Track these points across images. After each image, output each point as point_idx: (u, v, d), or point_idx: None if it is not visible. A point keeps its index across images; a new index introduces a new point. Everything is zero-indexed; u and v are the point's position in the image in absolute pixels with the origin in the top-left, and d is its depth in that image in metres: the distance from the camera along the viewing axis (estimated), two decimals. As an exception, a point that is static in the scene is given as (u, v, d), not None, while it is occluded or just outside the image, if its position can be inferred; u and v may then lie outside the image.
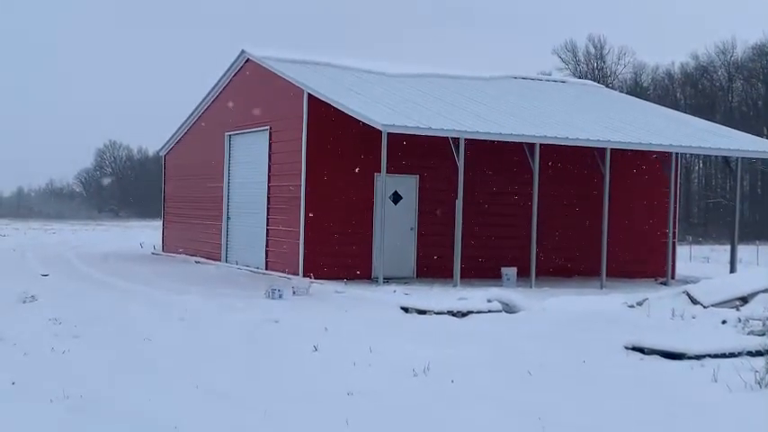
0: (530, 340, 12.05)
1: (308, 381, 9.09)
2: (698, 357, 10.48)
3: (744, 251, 35.72)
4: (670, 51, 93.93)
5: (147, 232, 43.20)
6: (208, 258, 25.62)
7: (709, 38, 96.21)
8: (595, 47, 79.92)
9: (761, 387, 8.56)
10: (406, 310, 14.89)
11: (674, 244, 22.97)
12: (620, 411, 7.85)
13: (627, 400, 8.33)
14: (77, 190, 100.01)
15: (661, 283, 21.29)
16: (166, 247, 29.48)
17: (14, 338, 11.09)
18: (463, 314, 14.42)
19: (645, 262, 23.04)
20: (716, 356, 10.51)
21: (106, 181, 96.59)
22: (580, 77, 67.39)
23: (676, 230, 23.56)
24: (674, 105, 60.85)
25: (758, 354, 10.63)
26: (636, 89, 71.14)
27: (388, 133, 18.36)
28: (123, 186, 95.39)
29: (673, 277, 22.56)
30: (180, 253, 27.72)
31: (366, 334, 12.41)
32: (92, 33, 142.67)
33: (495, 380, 9.29)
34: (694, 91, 74.44)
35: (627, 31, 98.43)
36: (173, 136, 29.21)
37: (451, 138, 18.86)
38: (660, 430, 7.25)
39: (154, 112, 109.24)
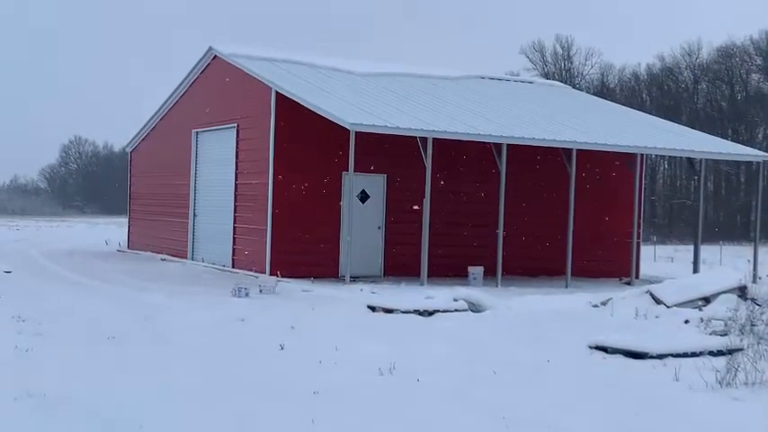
0: (495, 339, 12.14)
1: (273, 379, 9.08)
2: (660, 357, 10.62)
3: (707, 251, 36.13)
4: (636, 53, 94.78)
5: (113, 229, 42.88)
6: (174, 256, 25.48)
7: (675, 39, 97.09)
8: (563, 47, 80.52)
9: (722, 386, 8.69)
10: (372, 308, 14.92)
11: (638, 244, 23.20)
12: (583, 410, 7.93)
13: (590, 398, 8.42)
14: (42, 186, 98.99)
15: (625, 283, 21.49)
16: (132, 244, 29.28)
17: (-24, 336, 10.98)
18: (429, 313, 14.49)
19: (610, 262, 23.25)
20: (678, 356, 10.65)
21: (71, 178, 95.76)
22: (548, 78, 67.79)
23: (641, 231, 23.79)
24: (641, 106, 61.40)
25: (719, 353, 10.78)
26: (603, 90, 71.74)
27: (356, 132, 18.38)
28: (88, 182, 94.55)
29: (637, 277, 22.79)
30: (145, 250, 27.54)
31: (332, 333, 12.43)
32: (59, 27, 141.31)
33: (460, 378, 9.35)
34: (660, 92, 75.22)
35: (594, 32, 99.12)
36: (139, 132, 29.00)
37: (419, 137, 18.91)
38: (622, 428, 7.33)
39: (120, 108, 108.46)
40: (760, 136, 67.89)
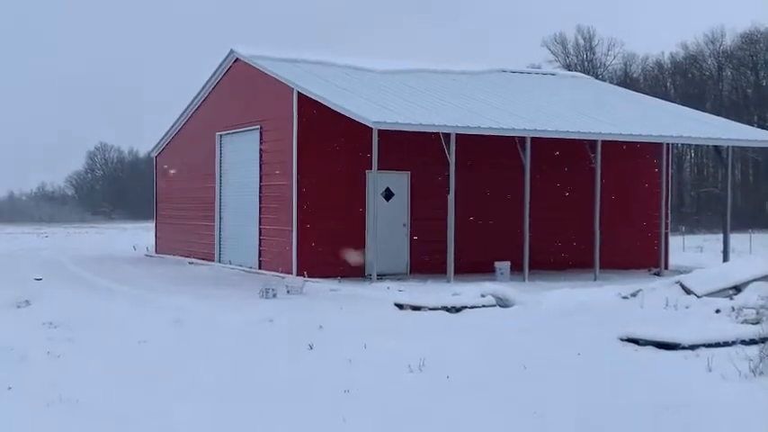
0: (524, 334, 12.08)
1: (303, 379, 9.10)
2: (692, 347, 10.53)
3: (737, 240, 35.78)
4: (659, 41, 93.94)
5: (141, 234, 43.11)
6: (201, 259, 25.59)
7: (699, 27, 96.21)
8: (585, 38, 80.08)
9: (755, 375, 8.59)
10: (400, 306, 14.90)
11: (666, 234, 23.03)
12: (615, 403, 7.87)
13: (622, 391, 8.36)
14: (69, 193, 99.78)
15: (654, 274, 21.33)
16: (159, 248, 29.44)
17: (9, 343, 11.07)
18: (457, 309, 14.46)
19: (638, 253, 23.07)
20: (710, 346, 10.54)
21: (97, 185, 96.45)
22: (570, 69, 67.37)
23: (669, 221, 23.59)
24: (665, 95, 60.91)
25: (752, 342, 10.67)
26: (626, 80, 71.26)
27: (379, 130, 18.36)
28: (115, 188, 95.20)
29: (666, 267, 22.61)
30: (173, 254, 27.68)
31: (361, 331, 12.43)
32: (82, 35, 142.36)
33: (490, 374, 9.31)
34: (684, 80, 74.62)
35: (616, 22, 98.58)
36: (164, 137, 29.15)
37: (442, 133, 18.86)
38: (655, 420, 7.27)
39: (145, 114, 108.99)
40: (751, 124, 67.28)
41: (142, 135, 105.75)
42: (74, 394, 8.20)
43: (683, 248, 32.94)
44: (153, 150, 30.36)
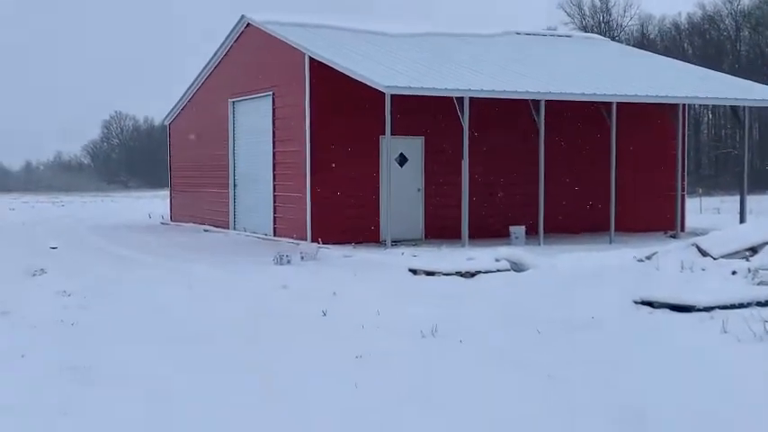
0: (538, 298, 12.02)
1: (316, 345, 9.08)
2: (707, 309, 10.41)
3: (754, 201, 35.56)
4: (676, 2, 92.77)
5: (157, 202, 43.26)
6: (216, 226, 25.63)
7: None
8: (601, 0, 79.22)
9: (770, 338, 8.49)
10: (414, 272, 14.84)
11: (683, 196, 22.84)
12: (630, 366, 7.81)
13: (637, 354, 8.29)
14: (85, 162, 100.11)
15: (671, 237, 21.19)
16: (175, 216, 29.49)
17: (23, 311, 11.11)
18: (471, 274, 14.37)
19: (654, 216, 22.91)
20: (725, 308, 10.43)
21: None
22: (586, 31, 66.74)
23: (685, 183, 23.38)
24: (682, 56, 60.24)
25: (767, 304, 10.57)
26: (643, 41, 70.56)
27: (392, 95, 18.22)
28: (130, 157, 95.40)
29: (682, 230, 22.45)
30: (188, 222, 27.73)
31: (374, 297, 12.40)
32: (98, 3, 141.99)
33: (503, 339, 9.26)
34: (702, 41, 73.87)
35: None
36: (176, 105, 29.09)
37: (456, 97, 18.70)
38: (671, 383, 7.21)
39: (159, 82, 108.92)
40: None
41: (157, 104, 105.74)
42: (87, 362, 8.21)
43: (700, 210, 32.75)
44: (166, 118, 30.31)
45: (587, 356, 8.28)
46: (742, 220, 21.98)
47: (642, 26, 77.99)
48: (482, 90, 18.78)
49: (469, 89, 18.65)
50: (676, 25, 76.64)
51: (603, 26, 76.69)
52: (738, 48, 72.32)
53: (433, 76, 19.39)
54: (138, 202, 48.09)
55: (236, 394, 7.15)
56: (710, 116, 70.82)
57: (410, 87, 18.27)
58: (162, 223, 29.44)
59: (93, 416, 6.58)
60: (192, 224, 27.21)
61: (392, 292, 13.02)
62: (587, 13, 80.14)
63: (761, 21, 70.82)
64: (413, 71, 19.65)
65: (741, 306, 10.53)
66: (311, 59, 20.33)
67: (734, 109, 23.03)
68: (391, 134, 18.67)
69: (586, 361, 8.09)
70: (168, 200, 30.42)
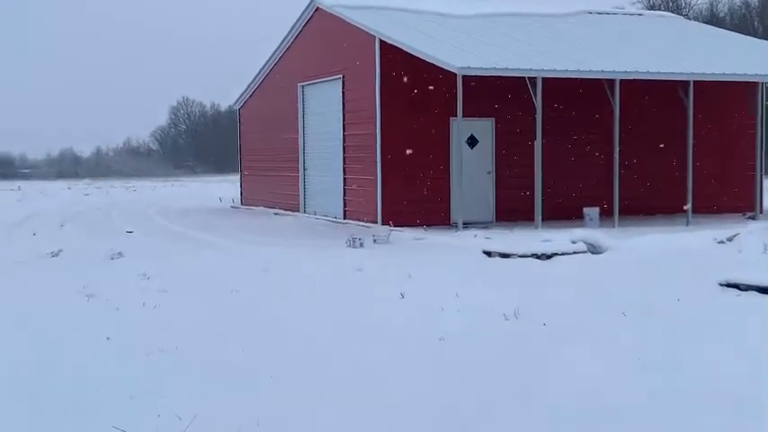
0: (618, 280, 11.80)
1: (397, 327, 9.03)
2: (798, 292, 10.13)
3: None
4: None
5: (225, 186, 43.71)
6: (286, 210, 25.77)
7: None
8: (669, -22, 77.52)
9: None
10: (488, 254, 14.72)
11: (761, 177, 22.25)
12: (724, 350, 7.60)
13: (728, 338, 8.07)
14: (154, 147, 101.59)
15: (749, 218, 20.69)
16: (245, 200, 29.75)
17: (106, 294, 11.27)
18: (548, 256, 14.20)
19: (731, 197, 22.40)
20: (817, 291, 10.14)
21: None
22: (654, 10, 65.42)
23: (763, 163, 22.75)
24: (753, 35, 58.72)
25: None
26: (712, 20, 68.88)
27: (463, 76, 18.05)
28: (198, 142, 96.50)
29: (761, 212, 21.90)
30: (258, 205, 27.94)
31: (450, 280, 12.31)
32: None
33: (588, 321, 9.10)
34: (774, 19, 71.82)
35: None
36: (246, 89, 29.28)
37: (528, 77, 18.45)
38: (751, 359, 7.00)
39: (226, 68, 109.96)
40: None
41: (224, 89, 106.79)
42: (173, 344, 8.28)
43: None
44: (236, 103, 30.53)
45: (677, 339, 8.09)
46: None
47: (711, 5, 76.02)
48: (555, 70, 18.50)
49: (542, 69, 18.38)
50: (746, 3, 74.60)
51: (671, 4, 75.03)
52: (813, 25, 70.17)
53: (504, 57, 19.15)
54: (207, 186, 48.66)
55: (327, 379, 7.12)
56: (761, 94, 68.97)
57: (482, 68, 18.09)
58: (232, 207, 29.72)
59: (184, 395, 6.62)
60: (262, 207, 27.41)
61: (468, 274, 12.92)
62: (656, -8, 78.50)
63: (837, -4, 68.66)
64: (485, 52, 19.45)
65: (833, 288, 10.22)
66: (381, 42, 20.25)
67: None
68: (462, 115, 18.51)
69: (676, 344, 7.90)
70: (239, 184, 30.67)
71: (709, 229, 16.87)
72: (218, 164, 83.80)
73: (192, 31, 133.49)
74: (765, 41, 25.31)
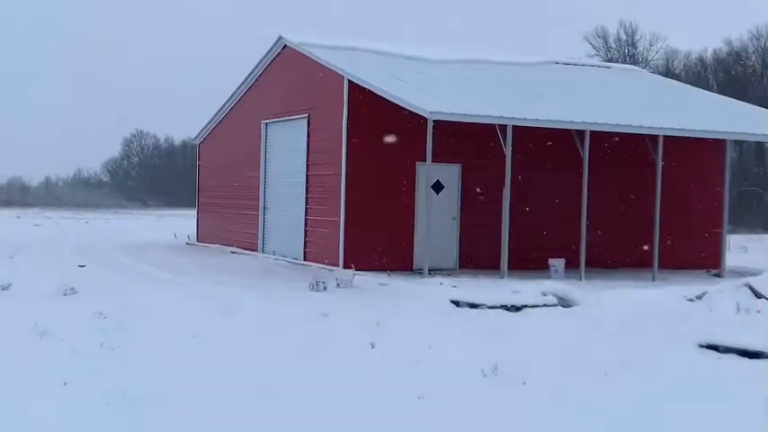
0: (595, 337, 11.50)
1: (372, 381, 8.61)
2: (779, 357, 9.90)
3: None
4: (703, 37, 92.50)
5: (179, 221, 42.91)
6: (243, 249, 25.21)
7: (743, 23, 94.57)
8: (627, 33, 78.97)
9: None
10: (456, 303, 14.35)
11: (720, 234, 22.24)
12: (726, 420, 7.28)
13: (725, 407, 7.76)
14: (105, 179, 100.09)
15: (714, 275, 20.61)
16: (201, 236, 29.12)
17: (60, 333, 10.69)
18: (517, 308, 13.89)
19: (695, 253, 22.32)
20: (799, 356, 9.91)
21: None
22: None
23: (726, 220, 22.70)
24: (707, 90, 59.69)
25: (844, 352, 10.04)
26: (668, 76, 69.96)
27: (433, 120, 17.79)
28: (150, 175, 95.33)
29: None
30: (214, 243, 27.34)
31: (420, 329, 11.95)
32: (121, 19, 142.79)
33: (569, 381, 8.77)
34: (727, 77, 73.32)
35: (659, 16, 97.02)
36: (207, 125, 28.79)
37: (498, 125, 18.27)
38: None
39: (181, 102, 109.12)
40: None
41: (178, 123, 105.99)
42: (134, 392, 7.77)
43: (729, 248, 32.11)
44: (196, 138, 30.01)
45: (670, 407, 7.76)
46: (788, 261, 21.37)
47: (667, 60, 77.50)
48: (526, 119, 18.34)
49: (513, 117, 18.21)
50: (702, 60, 76.23)
51: (628, 59, 76.23)
52: (764, 84, 71.76)
53: (475, 103, 18.97)
54: (161, 220, 47.75)
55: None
56: (737, 153, 70.16)
57: (454, 113, 17.86)
58: (188, 243, 29.06)
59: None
60: (218, 245, 26.81)
61: (438, 324, 12.56)
62: (613, 46, 79.83)
63: (788, 58, 70.34)
64: (455, 97, 19.25)
65: (815, 354, 10.01)
66: (350, 83, 19.97)
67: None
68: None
69: (668, 410, 7.58)
70: (195, 220, 30.03)
71: (676, 286, 16.69)
72: (169, 198, 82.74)
73: (149, 63, 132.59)
74: (732, 99, 25.56)
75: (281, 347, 10.43)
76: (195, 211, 30.16)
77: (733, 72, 73.88)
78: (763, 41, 72.41)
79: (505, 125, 18.19)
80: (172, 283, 17.19)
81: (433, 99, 18.63)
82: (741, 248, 32.79)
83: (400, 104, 18.33)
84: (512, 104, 19.44)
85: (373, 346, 10.46)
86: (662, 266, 20.28)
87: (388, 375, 8.95)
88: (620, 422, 7.17)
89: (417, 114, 18.02)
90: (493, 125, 18.37)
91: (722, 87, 69.54)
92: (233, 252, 25.13)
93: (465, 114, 17.95)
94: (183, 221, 41.84)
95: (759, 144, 55.51)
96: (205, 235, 28.72)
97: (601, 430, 6.96)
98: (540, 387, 8.49)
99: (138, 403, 7.47)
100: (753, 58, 73.73)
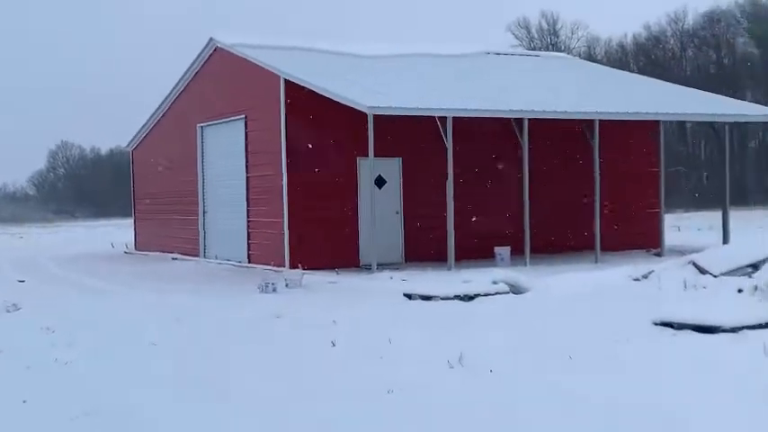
0: (550, 321, 11.59)
1: (339, 379, 8.54)
2: (734, 330, 10.09)
3: (706, 218, 35.94)
4: (623, 23, 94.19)
5: (112, 231, 42.19)
6: (184, 255, 24.86)
7: (661, 8, 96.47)
8: (548, 22, 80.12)
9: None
10: (409, 297, 14.37)
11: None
12: (694, 394, 7.37)
13: (689, 382, 7.87)
14: (31, 192, 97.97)
15: (655, 255, 20.99)
16: (139, 245, 28.63)
17: (11, 350, 10.40)
18: (470, 298, 13.95)
19: (634, 234, 22.68)
20: (752, 328, 10.12)
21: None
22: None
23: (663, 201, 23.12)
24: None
25: (795, 322, 10.28)
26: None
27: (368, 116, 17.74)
28: (77, 186, 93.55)
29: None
30: (154, 251, 26.90)
31: (377, 325, 11.90)
32: (40, 30, 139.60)
33: (534, 366, 8.80)
34: (647, 61, 74.85)
35: (579, 5, 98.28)
36: (139, 131, 28.31)
37: (438, 117, 18.31)
38: (755, 418, 6.77)
39: (106, 111, 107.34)
40: (748, 99, 67.70)
41: (104, 132, 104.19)
42: (97, 406, 7.58)
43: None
44: (129, 145, 29.48)
45: (635, 383, 7.85)
46: (725, 238, 21.90)
47: (589, 48, 78.77)
48: (466, 109, 18.43)
49: (453, 108, 18.28)
50: (622, 46, 77.70)
51: (551, 48, 77.29)
52: (684, 67, 73.44)
53: (414, 96, 18.99)
54: (93, 231, 46.80)
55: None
56: (662, 134, 71.62)
57: (392, 108, 17.85)
58: (126, 252, 28.55)
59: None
60: (158, 253, 26.38)
61: (394, 318, 12.52)
62: (535, 36, 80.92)
63: (705, 41, 72.08)
64: (393, 91, 19.25)
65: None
66: (287, 81, 19.82)
67: (713, 125, 22.96)
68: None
69: (636, 389, 7.66)
70: (132, 228, 29.51)
71: (620, 267, 16.89)
72: (98, 208, 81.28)
73: (73, 73, 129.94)
74: (664, 82, 26.03)
75: (241, 351, 10.29)
76: (131, 220, 29.66)
77: (653, 56, 75.44)
78: (681, 24, 74.18)
79: (446, 117, 18.24)
80: (117, 294, 16.86)
81: (371, 94, 18.59)
82: (674, 228, 33.47)
83: (339, 101, 18.26)
84: (450, 96, 19.52)
85: (334, 345, 10.38)
86: (604, 248, 20.56)
87: (354, 372, 8.88)
88: (588, 402, 7.21)
89: (356, 110, 17.97)
90: (432, 117, 18.41)
91: (643, 72, 70.71)
92: (174, 259, 24.77)
93: (405, 108, 17.97)
94: (115, 230, 41.16)
95: (680, 124, 56.74)
96: (144, 243, 28.25)
97: (574, 413, 6.99)
98: (507, 374, 8.51)
99: (104, 417, 7.28)
100: (671, 42, 75.39)
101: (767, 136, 66.43)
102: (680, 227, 33.94)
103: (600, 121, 19.96)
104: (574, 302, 13.09)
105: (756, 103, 30.79)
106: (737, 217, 28.36)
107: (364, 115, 17.84)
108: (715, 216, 36.70)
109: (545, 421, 6.80)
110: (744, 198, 53.43)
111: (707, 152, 70.79)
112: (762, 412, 6.78)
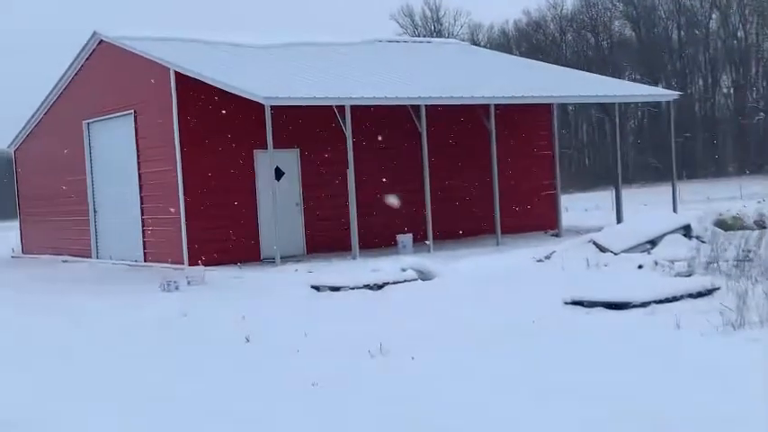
0: (462, 306, 11.64)
1: (259, 376, 8.35)
2: (643, 305, 10.31)
3: (590, 199, 36.94)
4: (504, 10, 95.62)
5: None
6: (76, 256, 23.99)
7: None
8: (431, 10, 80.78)
9: (734, 329, 8.38)
10: (317, 288, 14.18)
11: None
12: (611, 369, 7.49)
13: (605, 356, 8.00)
14: None
15: (553, 235, 21.34)
16: (27, 248, 27.52)
17: None
18: (379, 286, 13.86)
19: (532, 216, 22.98)
20: (660, 302, 10.36)
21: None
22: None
23: (559, 182, 23.48)
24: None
25: (699, 295, 10.58)
26: (474, 48, 72.20)
27: (264, 106, 17.44)
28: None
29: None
30: (43, 254, 25.90)
31: (289, 318, 11.74)
32: None
33: (453, 351, 8.80)
34: (529, 46, 76.37)
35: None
36: (21, 130, 27.15)
37: (336, 106, 18.14)
38: (661, 385, 6.92)
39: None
40: (627, 80, 69.89)
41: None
42: (14, 417, 7.21)
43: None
44: (11, 145, 28.26)
45: (553, 362, 7.93)
46: (619, 216, 22.43)
47: (472, 34, 79.75)
48: (363, 98, 18.30)
49: (350, 97, 18.12)
50: (504, 32, 79.08)
51: (435, 35, 77.95)
52: (564, 51, 75.20)
53: (309, 85, 18.78)
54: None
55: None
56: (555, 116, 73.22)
57: (290, 98, 17.60)
58: (13, 257, 27.42)
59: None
60: (48, 255, 25.41)
61: (304, 311, 12.38)
62: (419, 23, 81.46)
63: (583, 24, 74.02)
64: (288, 81, 18.97)
65: (674, 299, 10.51)
66: (177, 74, 19.30)
67: (604, 106, 23.49)
68: (265, 147, 17.84)
69: (554, 367, 7.74)
70: (18, 231, 28.34)
71: (522, 249, 17.15)
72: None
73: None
74: (556, 66, 26.46)
75: (152, 353, 9.98)
76: (17, 222, 28.49)
77: (534, 41, 77.03)
78: (560, 9, 75.96)
79: (344, 106, 18.08)
80: (10, 299, 16.09)
81: (266, 85, 18.27)
82: (563, 209, 34.20)
83: (234, 92, 17.88)
84: (346, 84, 19.38)
85: (248, 340, 10.17)
86: (504, 231, 20.75)
87: (273, 367, 8.70)
88: (510, 383, 7.24)
89: (251, 102, 17.63)
90: (330, 107, 18.23)
91: (525, 56, 72.40)
92: (65, 261, 23.87)
93: (302, 98, 17.74)
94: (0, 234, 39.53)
95: (562, 107, 58.03)
96: (32, 246, 27.18)
97: (502, 393, 6.99)
98: (429, 360, 8.49)
99: (15, 428, 6.92)
100: (551, 27, 77.15)
101: (645, 116, 68.61)
102: (567, 207, 34.67)
103: (495, 105, 20.13)
104: (483, 286, 13.17)
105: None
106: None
107: (260, 106, 17.53)
108: (599, 196, 37.86)
109: (475, 403, 6.76)
110: (626, 177, 55.11)
111: (589, 134, 72.82)
112: (687, 380, 6.91)
